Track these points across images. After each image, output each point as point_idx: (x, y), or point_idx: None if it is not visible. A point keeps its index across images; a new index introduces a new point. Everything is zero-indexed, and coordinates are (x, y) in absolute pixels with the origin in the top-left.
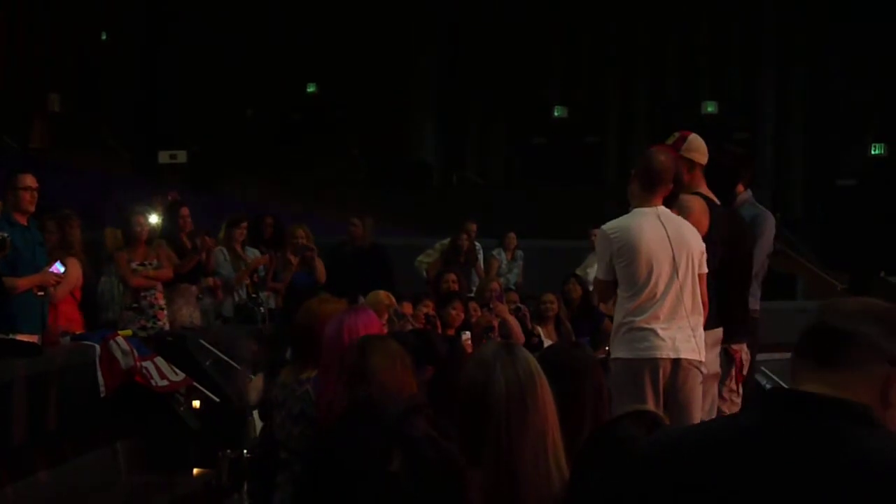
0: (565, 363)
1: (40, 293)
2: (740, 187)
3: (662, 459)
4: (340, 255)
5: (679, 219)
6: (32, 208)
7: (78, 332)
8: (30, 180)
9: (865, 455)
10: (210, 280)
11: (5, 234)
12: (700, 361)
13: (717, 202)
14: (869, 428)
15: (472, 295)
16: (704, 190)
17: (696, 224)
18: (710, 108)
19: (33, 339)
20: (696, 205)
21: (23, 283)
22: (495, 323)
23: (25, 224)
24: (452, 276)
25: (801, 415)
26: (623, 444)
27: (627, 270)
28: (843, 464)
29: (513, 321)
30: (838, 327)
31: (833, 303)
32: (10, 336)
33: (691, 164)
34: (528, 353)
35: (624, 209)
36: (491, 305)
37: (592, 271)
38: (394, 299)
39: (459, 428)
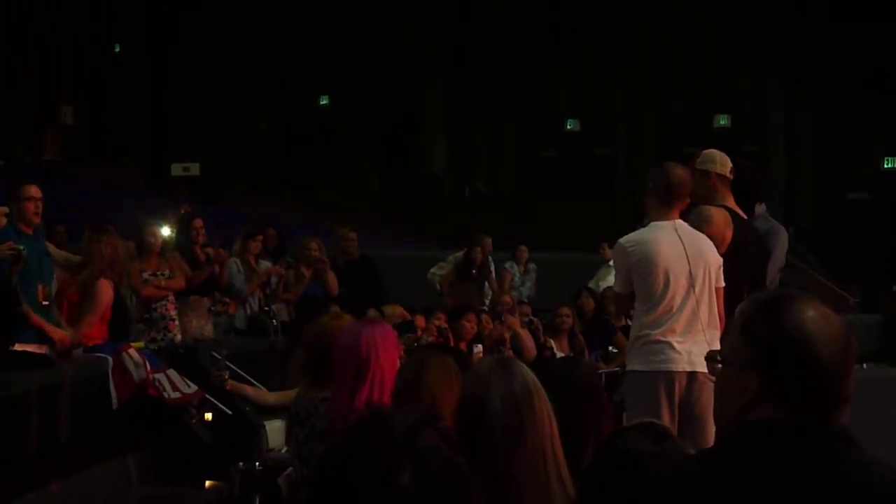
0: (566, 380)
1: (45, 303)
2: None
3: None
4: (333, 269)
5: (696, 233)
6: (38, 219)
7: (91, 345)
8: (34, 191)
9: (859, 477)
10: (224, 303)
11: (21, 248)
12: None
13: (745, 216)
14: (854, 449)
15: (485, 308)
16: (731, 203)
17: (718, 235)
18: (723, 121)
19: (42, 349)
20: (718, 216)
21: (35, 319)
22: (507, 336)
23: (31, 234)
24: (462, 289)
25: (793, 442)
26: (628, 455)
27: (644, 284)
28: (841, 487)
29: (525, 334)
30: (847, 394)
31: (833, 361)
32: (18, 346)
33: (706, 174)
34: (524, 367)
35: (636, 222)
36: (503, 318)
37: (605, 284)
38: (406, 313)
39: (459, 442)
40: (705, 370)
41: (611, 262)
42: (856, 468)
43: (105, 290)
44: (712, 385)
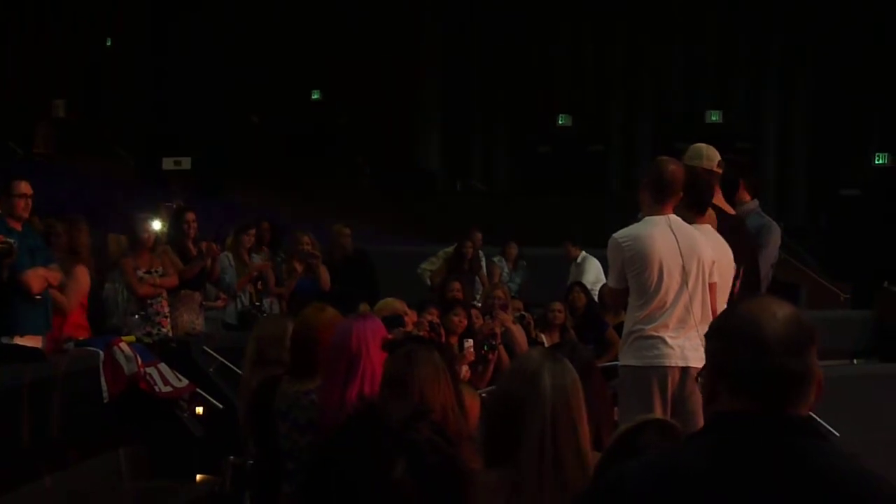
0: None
1: (38, 297)
2: (746, 196)
3: (638, 494)
4: (328, 264)
5: (690, 227)
6: (26, 215)
7: (82, 338)
8: (24, 187)
9: (821, 469)
10: (219, 299)
11: (12, 241)
12: None
13: (733, 212)
14: (819, 441)
15: (477, 302)
16: (717, 200)
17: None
18: (715, 117)
19: (37, 340)
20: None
21: (35, 282)
22: (498, 330)
23: (20, 229)
24: (457, 285)
25: (759, 434)
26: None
27: (638, 279)
28: (803, 479)
29: (516, 329)
30: (796, 371)
31: (777, 337)
32: (14, 340)
33: (693, 170)
34: (569, 363)
35: (629, 218)
36: (494, 313)
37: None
38: (404, 308)
39: (487, 427)
40: (698, 366)
41: (578, 260)
42: (808, 457)
43: (83, 276)
44: None
